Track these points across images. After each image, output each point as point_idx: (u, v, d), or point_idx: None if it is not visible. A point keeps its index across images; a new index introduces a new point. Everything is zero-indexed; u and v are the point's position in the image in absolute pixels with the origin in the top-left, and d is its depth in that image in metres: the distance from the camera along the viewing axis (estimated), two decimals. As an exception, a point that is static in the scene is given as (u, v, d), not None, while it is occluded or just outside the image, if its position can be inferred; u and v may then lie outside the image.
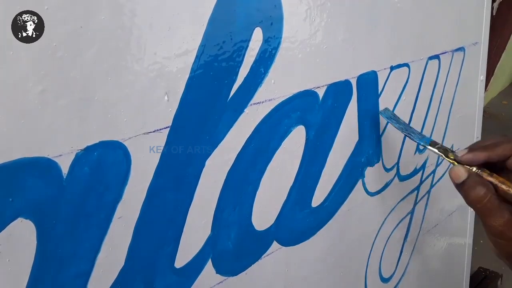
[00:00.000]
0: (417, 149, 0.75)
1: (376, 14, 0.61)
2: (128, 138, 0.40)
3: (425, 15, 0.69)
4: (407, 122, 0.71)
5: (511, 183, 0.47)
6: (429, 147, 0.55)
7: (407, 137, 0.68)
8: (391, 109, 0.67)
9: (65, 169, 0.37)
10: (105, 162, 0.39)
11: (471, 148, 0.50)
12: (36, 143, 0.35)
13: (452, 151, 0.53)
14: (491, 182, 0.47)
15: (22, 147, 0.34)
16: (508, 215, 0.45)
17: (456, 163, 0.50)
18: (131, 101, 0.40)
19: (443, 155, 0.53)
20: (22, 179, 0.35)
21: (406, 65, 0.68)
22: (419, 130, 0.74)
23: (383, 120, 0.66)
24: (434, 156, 0.79)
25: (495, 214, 0.45)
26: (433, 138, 0.77)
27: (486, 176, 0.48)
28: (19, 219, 0.35)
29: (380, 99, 0.64)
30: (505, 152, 0.49)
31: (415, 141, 0.58)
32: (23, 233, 0.36)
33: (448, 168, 0.83)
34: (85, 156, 0.37)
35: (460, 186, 0.48)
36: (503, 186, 0.47)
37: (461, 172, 0.48)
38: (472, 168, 0.48)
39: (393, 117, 0.63)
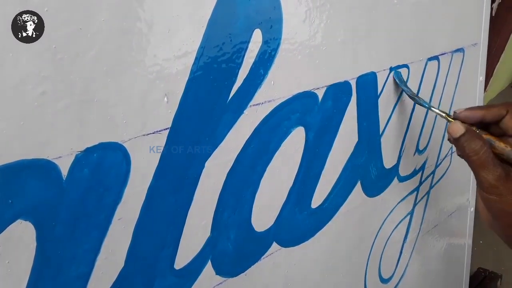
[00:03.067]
0: (417, 150, 0.75)
1: (375, 15, 0.61)
2: (127, 140, 0.40)
3: (424, 16, 0.69)
4: (406, 124, 0.71)
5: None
6: (432, 108, 0.61)
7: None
8: (390, 109, 0.67)
9: (64, 171, 0.37)
10: (105, 164, 0.39)
11: (468, 108, 0.54)
12: (35, 145, 0.35)
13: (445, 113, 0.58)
14: (486, 139, 0.50)
15: (22, 148, 0.34)
16: (501, 170, 0.48)
17: (453, 121, 0.53)
18: (131, 103, 0.40)
19: (445, 116, 0.57)
20: (22, 180, 0.35)
21: (406, 66, 0.68)
22: (419, 131, 0.74)
23: (382, 121, 0.66)
24: (433, 157, 0.79)
25: (488, 167, 0.48)
26: (433, 138, 0.77)
27: (483, 134, 0.51)
28: (19, 221, 0.35)
29: (379, 100, 0.64)
30: (500, 112, 0.53)
31: (421, 104, 0.63)
32: (23, 234, 0.36)
33: (447, 168, 0.84)
34: (84, 158, 0.38)
35: (458, 140, 0.51)
36: (501, 144, 0.50)
37: (459, 127, 0.51)
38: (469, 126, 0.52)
39: (403, 82, 0.67)
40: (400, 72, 0.67)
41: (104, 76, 0.37)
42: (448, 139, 0.54)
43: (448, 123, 0.53)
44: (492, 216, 0.50)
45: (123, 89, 0.39)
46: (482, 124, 0.53)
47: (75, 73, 0.36)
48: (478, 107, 0.53)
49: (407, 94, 0.65)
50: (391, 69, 0.65)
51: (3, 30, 0.32)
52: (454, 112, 0.54)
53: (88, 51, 0.36)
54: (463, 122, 0.52)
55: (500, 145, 0.50)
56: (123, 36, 0.38)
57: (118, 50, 0.38)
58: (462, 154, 0.51)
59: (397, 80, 0.66)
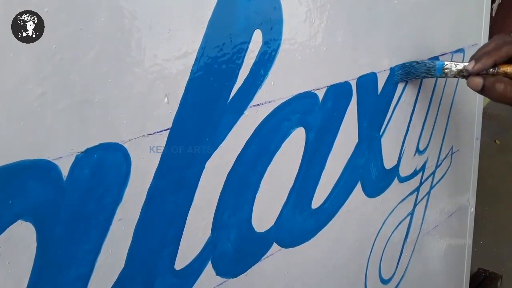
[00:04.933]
0: (417, 151, 0.75)
1: (375, 16, 0.61)
2: (128, 140, 0.40)
3: (424, 17, 0.69)
4: (406, 124, 0.71)
5: None
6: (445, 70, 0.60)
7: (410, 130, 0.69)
8: (391, 110, 0.67)
9: (65, 171, 0.37)
10: (105, 164, 0.39)
11: (476, 58, 0.56)
12: (36, 146, 0.35)
13: (461, 70, 0.59)
14: (506, 74, 0.54)
15: (22, 149, 0.34)
16: None
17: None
18: (131, 103, 0.40)
19: (458, 76, 0.59)
20: (22, 181, 0.35)
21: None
22: (419, 131, 0.74)
23: (383, 121, 0.66)
24: (434, 157, 0.79)
25: None
26: (433, 138, 0.77)
27: (502, 68, 0.54)
28: (19, 221, 0.35)
29: (379, 101, 0.64)
30: (509, 52, 0.55)
31: (436, 76, 0.63)
32: (23, 235, 0.36)
33: (448, 169, 0.84)
34: (85, 158, 0.37)
35: (482, 91, 0.55)
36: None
37: (477, 81, 0.55)
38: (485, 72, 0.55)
39: (406, 66, 0.66)
40: (396, 69, 0.66)
41: (104, 77, 0.37)
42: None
43: (467, 81, 0.56)
44: None
45: (123, 90, 0.39)
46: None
47: (75, 74, 0.36)
48: (486, 55, 0.55)
49: (419, 74, 0.64)
50: (391, 69, 0.65)
51: (3, 30, 0.32)
52: (467, 70, 0.56)
53: (88, 52, 0.36)
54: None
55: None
56: (123, 37, 0.38)
57: (118, 50, 0.38)
58: (493, 99, 0.54)
59: (400, 76, 0.65)
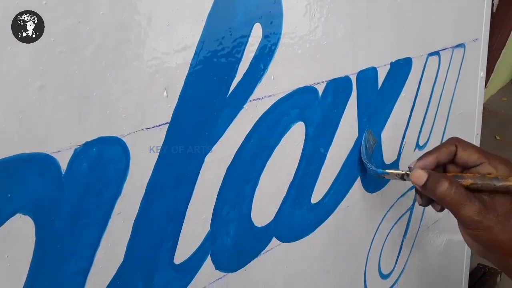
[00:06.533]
0: (417, 146, 0.75)
1: (376, 10, 0.60)
2: (127, 134, 0.40)
3: (425, 12, 0.69)
4: (406, 119, 0.71)
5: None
6: (387, 170, 0.57)
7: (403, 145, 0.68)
8: (391, 105, 0.66)
9: (63, 165, 0.37)
10: (104, 158, 0.39)
11: (419, 158, 0.52)
12: (34, 139, 0.35)
13: (402, 174, 0.55)
14: (452, 177, 0.48)
15: (21, 143, 0.34)
16: (478, 203, 0.46)
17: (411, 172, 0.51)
18: (130, 97, 0.39)
19: (401, 172, 0.55)
20: (21, 175, 0.34)
21: (408, 59, 0.67)
22: (419, 127, 0.74)
23: (383, 116, 0.66)
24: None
25: (465, 203, 0.46)
26: (434, 134, 0.77)
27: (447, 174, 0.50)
28: (18, 215, 0.35)
29: (380, 96, 0.64)
30: (449, 149, 0.51)
31: (371, 170, 0.60)
32: (22, 229, 0.36)
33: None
34: (83, 152, 0.37)
35: (425, 187, 0.49)
36: (469, 175, 0.48)
37: (421, 173, 0.49)
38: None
39: (367, 142, 0.63)
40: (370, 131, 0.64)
41: (103, 70, 0.37)
42: (416, 191, 0.53)
43: (410, 175, 0.51)
44: (486, 249, 0.48)
45: (122, 83, 0.39)
46: (440, 168, 0.52)
47: (74, 67, 0.36)
48: (428, 153, 0.52)
49: (362, 155, 0.62)
50: (391, 64, 0.65)
51: (3, 30, 0.32)
52: (409, 167, 0.53)
53: (87, 45, 0.36)
54: None
55: (468, 176, 0.48)
56: (123, 30, 0.38)
57: (118, 43, 0.38)
58: (434, 199, 0.49)
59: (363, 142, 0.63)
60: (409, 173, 0.53)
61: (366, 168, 0.61)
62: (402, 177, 0.55)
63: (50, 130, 0.35)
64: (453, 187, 0.47)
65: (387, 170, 0.57)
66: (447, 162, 0.52)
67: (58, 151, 0.36)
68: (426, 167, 0.51)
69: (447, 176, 0.48)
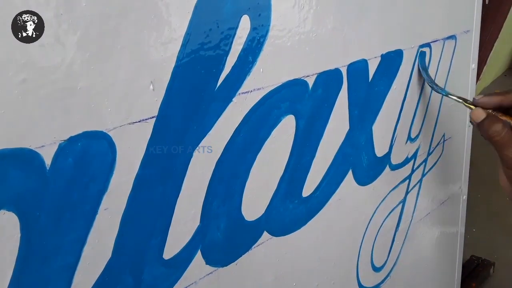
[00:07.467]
0: (409, 138, 0.75)
1: (366, 1, 0.60)
2: (112, 128, 0.39)
3: (416, 3, 0.69)
4: (398, 112, 0.70)
5: None
6: (450, 96, 0.66)
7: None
8: (382, 97, 0.66)
9: (48, 160, 0.36)
10: (90, 153, 0.38)
11: (486, 94, 0.59)
12: (17, 134, 0.34)
13: (466, 99, 0.62)
14: (506, 122, 0.55)
15: (3, 138, 0.34)
16: None
17: (473, 107, 0.59)
18: (115, 90, 0.39)
19: (463, 102, 0.62)
20: (4, 170, 0.34)
21: (400, 51, 0.67)
22: (411, 119, 0.74)
23: (374, 109, 0.66)
24: (425, 145, 0.79)
25: (511, 145, 0.54)
26: (425, 126, 0.77)
27: (501, 116, 0.56)
28: (2, 211, 0.35)
29: (370, 88, 0.64)
30: None
31: (439, 92, 0.68)
32: (6, 225, 0.35)
33: (440, 156, 0.83)
34: (68, 147, 0.37)
35: (480, 125, 0.57)
36: None
37: (480, 113, 0.57)
38: (488, 111, 0.57)
39: (426, 68, 0.71)
40: (424, 57, 0.70)
41: (87, 63, 0.37)
42: (470, 122, 0.59)
43: (469, 110, 0.58)
44: None
45: (107, 76, 0.38)
46: (501, 109, 0.58)
47: (57, 60, 0.35)
48: (496, 93, 0.58)
49: (427, 82, 0.70)
50: (382, 56, 0.64)
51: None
52: (474, 98, 0.59)
53: (70, 37, 0.35)
54: (482, 108, 0.57)
55: None
56: (106, 22, 0.37)
57: (101, 36, 0.37)
58: (485, 136, 0.56)
59: (420, 68, 0.70)
60: (468, 104, 0.60)
61: (433, 89, 0.70)
62: (463, 102, 0.62)
63: (33, 124, 0.35)
64: (505, 129, 0.54)
65: (450, 96, 0.66)
66: (510, 107, 0.58)
67: (42, 146, 0.35)
68: (487, 104, 0.58)
69: (501, 120, 0.55)
